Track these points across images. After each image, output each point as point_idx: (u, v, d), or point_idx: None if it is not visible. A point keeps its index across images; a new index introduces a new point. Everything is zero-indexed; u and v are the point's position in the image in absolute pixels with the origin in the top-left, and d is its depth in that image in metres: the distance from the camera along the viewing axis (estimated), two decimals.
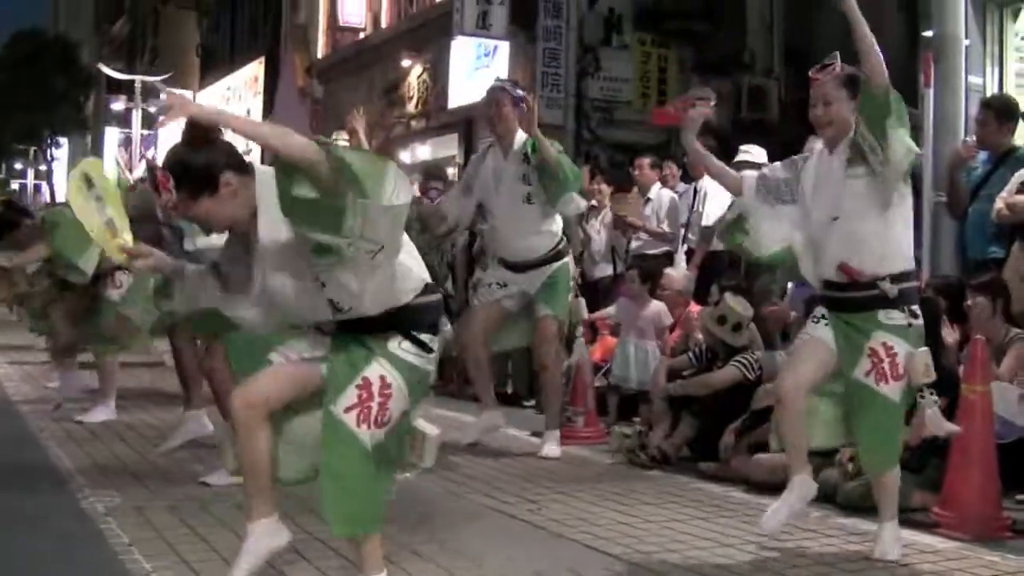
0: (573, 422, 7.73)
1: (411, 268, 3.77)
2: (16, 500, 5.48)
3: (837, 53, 4.61)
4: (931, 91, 8.36)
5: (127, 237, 5.23)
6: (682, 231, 9.55)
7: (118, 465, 6.42)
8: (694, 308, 8.01)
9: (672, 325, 8.16)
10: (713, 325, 6.94)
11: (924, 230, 7.60)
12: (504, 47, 17.10)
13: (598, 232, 10.17)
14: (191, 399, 6.84)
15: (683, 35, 17.20)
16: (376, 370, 3.72)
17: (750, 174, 5.07)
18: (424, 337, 3.79)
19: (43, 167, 54.79)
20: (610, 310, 8.68)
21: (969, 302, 6.20)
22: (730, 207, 5.17)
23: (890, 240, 4.59)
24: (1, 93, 44.89)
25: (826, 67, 4.65)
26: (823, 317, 4.72)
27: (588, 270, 9.96)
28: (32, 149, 53.86)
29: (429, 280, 3.87)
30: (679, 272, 8.49)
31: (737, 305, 6.89)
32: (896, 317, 4.57)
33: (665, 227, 9.64)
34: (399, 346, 3.76)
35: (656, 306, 7.93)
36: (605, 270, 10.06)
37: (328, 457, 3.70)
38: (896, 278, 4.56)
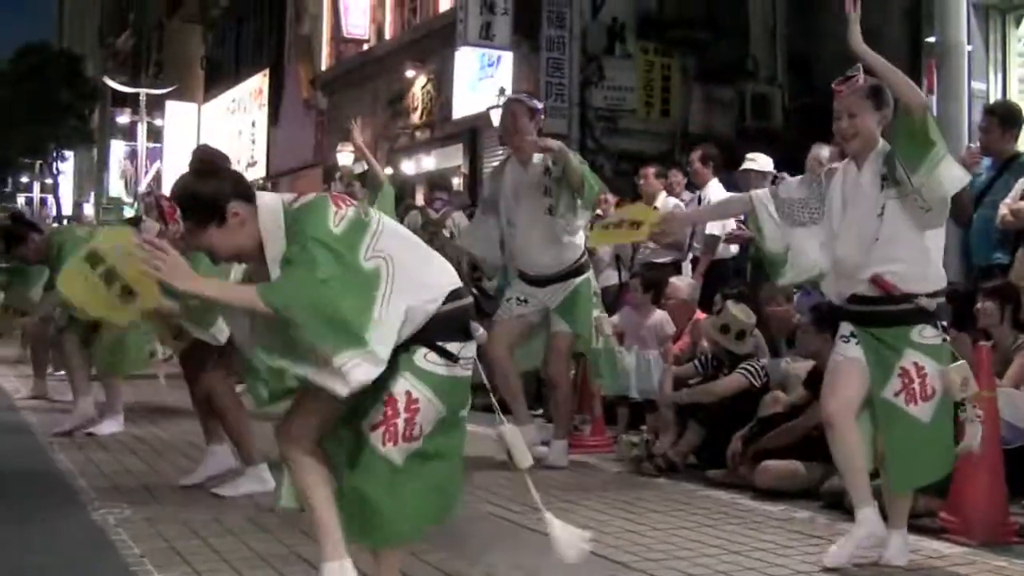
0: (580, 430, 7.74)
1: (422, 301, 3.61)
2: (27, 513, 5.50)
3: (860, 65, 4.55)
4: (934, 98, 8.40)
5: (150, 295, 5.23)
6: (687, 240, 9.55)
7: (128, 477, 6.44)
8: (700, 316, 8.02)
9: (678, 334, 8.17)
10: (716, 334, 6.96)
11: None
12: (508, 57, 17.18)
13: None
14: (210, 430, 6.36)
15: (686, 43, 17.25)
16: (402, 385, 3.61)
17: (761, 193, 4.98)
18: (452, 346, 3.67)
19: (49, 180, 54.92)
20: (614, 319, 8.68)
21: (979, 306, 6.20)
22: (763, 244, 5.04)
23: (929, 259, 4.54)
24: (6, 107, 45.04)
25: (849, 79, 4.58)
26: (852, 335, 4.63)
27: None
28: (38, 163, 53.99)
29: (452, 286, 3.73)
30: (684, 281, 8.51)
31: (740, 313, 6.91)
32: (929, 335, 4.52)
33: None
34: (424, 358, 3.64)
35: (658, 315, 7.94)
36: (610, 279, 10.06)
37: (352, 474, 3.65)
38: (931, 294, 4.53)
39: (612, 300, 9.51)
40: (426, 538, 4.69)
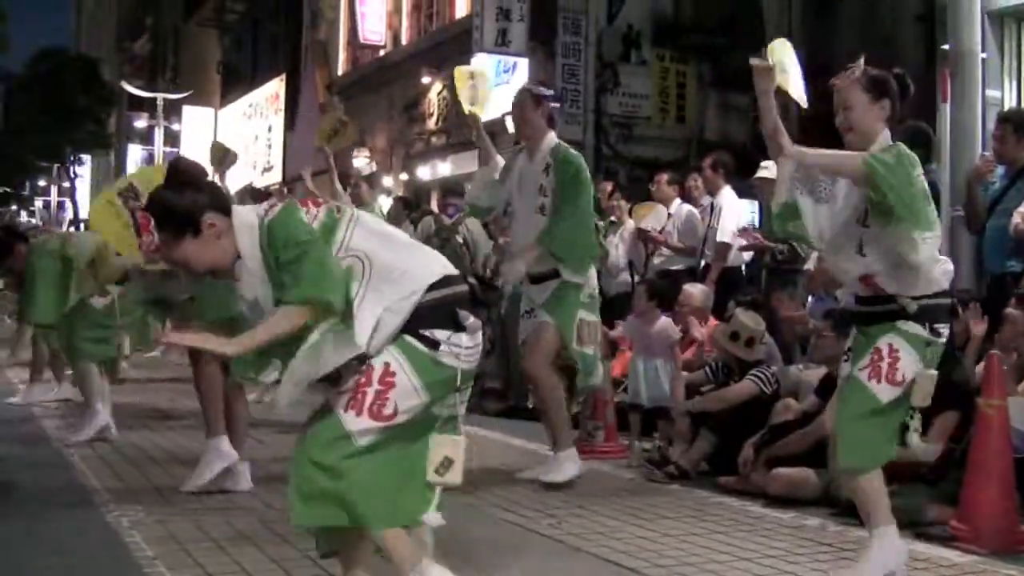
0: (593, 437, 7.75)
1: (400, 298, 3.51)
2: (42, 515, 5.54)
3: (862, 57, 4.49)
4: (948, 106, 8.38)
5: None
6: (700, 246, 9.56)
7: (142, 480, 6.47)
8: (713, 323, 8.03)
9: (691, 340, 8.17)
10: (726, 341, 6.97)
11: (944, 243, 7.61)
12: (523, 63, 17.20)
13: (616, 246, 10.21)
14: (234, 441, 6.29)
15: (701, 50, 17.28)
16: (382, 357, 3.50)
17: (797, 150, 4.59)
18: (438, 333, 3.55)
19: (67, 184, 55.16)
20: (618, 329, 8.65)
21: (1007, 312, 6.14)
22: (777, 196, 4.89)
23: (916, 271, 4.32)
24: (24, 111, 45.29)
25: (847, 71, 4.51)
26: (850, 350, 4.54)
27: (606, 285, 9.95)
28: (55, 166, 54.21)
29: (437, 275, 3.60)
30: (697, 288, 8.52)
31: (749, 320, 6.92)
32: (912, 327, 4.35)
33: (675, 239, 9.69)
34: (407, 337, 3.53)
35: (663, 322, 7.89)
36: (623, 285, 10.09)
37: (307, 446, 3.50)
38: (917, 298, 4.35)
39: (624, 306, 9.54)
40: (437, 543, 4.72)
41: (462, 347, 3.58)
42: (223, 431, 6.20)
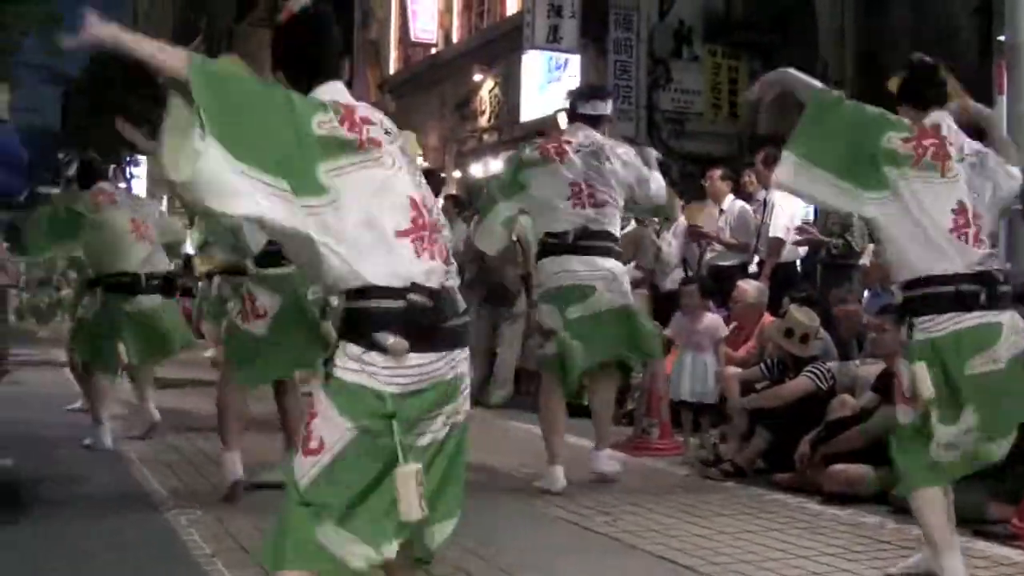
0: (648, 433, 7.74)
1: (336, 250, 2.92)
2: (99, 512, 5.61)
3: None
4: (1005, 98, 8.28)
5: None
6: (753, 242, 9.49)
7: (200, 480, 6.53)
8: (768, 320, 7.98)
9: (746, 336, 8.13)
10: (780, 338, 6.93)
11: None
12: (575, 60, 17.17)
13: (669, 243, 10.16)
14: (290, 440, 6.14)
15: (753, 46, 17.17)
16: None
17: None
18: (351, 348, 2.95)
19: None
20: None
21: None
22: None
23: (894, 253, 4.29)
24: (80, 114, 45.79)
25: None
26: None
27: (660, 281, 9.94)
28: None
29: (394, 283, 2.94)
30: (752, 284, 8.46)
31: (803, 317, 6.87)
32: (912, 326, 4.22)
33: (727, 235, 9.64)
34: (334, 359, 2.99)
35: (711, 318, 7.89)
36: (677, 281, 10.03)
37: None
38: (906, 286, 4.26)
39: (679, 303, 9.50)
40: (494, 540, 4.74)
41: (378, 366, 2.93)
42: (235, 444, 6.04)
